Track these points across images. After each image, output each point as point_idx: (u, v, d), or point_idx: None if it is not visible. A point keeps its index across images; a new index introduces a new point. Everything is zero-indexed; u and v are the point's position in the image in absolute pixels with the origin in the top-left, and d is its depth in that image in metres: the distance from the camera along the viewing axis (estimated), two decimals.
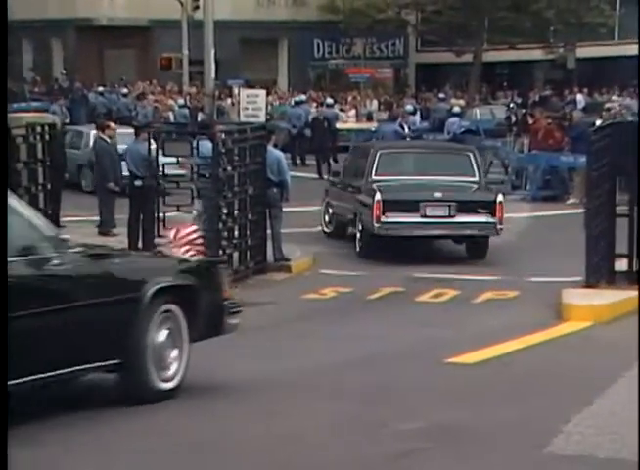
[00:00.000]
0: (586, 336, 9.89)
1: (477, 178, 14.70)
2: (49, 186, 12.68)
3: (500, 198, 14.14)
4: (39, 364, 6.43)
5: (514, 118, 28.81)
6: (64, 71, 39.55)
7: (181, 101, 31.20)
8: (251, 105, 21.69)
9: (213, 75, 23.58)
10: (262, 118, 20.92)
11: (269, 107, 30.05)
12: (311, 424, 6.92)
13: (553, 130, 22.15)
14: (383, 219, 13.73)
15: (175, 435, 6.59)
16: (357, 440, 6.55)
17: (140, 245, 14.32)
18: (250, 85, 31.46)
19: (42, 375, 6.46)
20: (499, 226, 13.99)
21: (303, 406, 7.35)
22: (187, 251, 7.58)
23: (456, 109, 29.42)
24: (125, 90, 33.83)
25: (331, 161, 26.07)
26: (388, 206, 13.70)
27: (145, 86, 35.37)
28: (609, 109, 22.52)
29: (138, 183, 14.70)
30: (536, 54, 41.78)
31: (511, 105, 33.83)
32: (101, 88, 35.01)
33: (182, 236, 7.52)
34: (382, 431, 6.70)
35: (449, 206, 13.94)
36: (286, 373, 8.22)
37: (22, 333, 6.22)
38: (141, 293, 6.77)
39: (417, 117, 31.17)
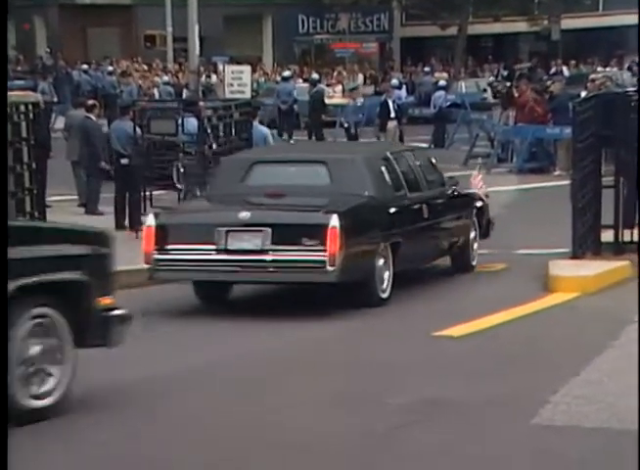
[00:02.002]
0: (573, 307, 9.93)
1: None
2: (34, 165, 12.63)
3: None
4: (427, 255, 10.88)
5: (490, 93, 28.84)
6: (48, 50, 39.29)
7: (166, 78, 31.06)
8: (237, 81, 21.57)
9: (198, 52, 23.44)
10: (248, 95, 20.81)
11: (255, 84, 29.94)
12: (298, 399, 6.95)
13: (538, 103, 22.15)
14: None
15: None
16: (345, 415, 6.58)
17: (127, 223, 14.30)
18: (234, 62, 31.33)
19: (421, 263, 10.96)
20: None
21: (290, 382, 7.38)
22: (480, 188, 12.19)
23: (442, 82, 29.39)
24: (110, 68, 33.65)
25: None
26: None
27: (129, 64, 35.17)
28: (593, 80, 22.50)
29: (124, 161, 14.65)
30: (521, 26, 41.74)
31: (491, 79, 33.80)
32: (85, 66, 34.83)
33: (477, 180, 12.36)
34: (370, 406, 6.74)
35: None
36: (271, 350, 8.24)
37: (431, 235, 10.72)
38: (470, 210, 11.67)
39: (403, 92, 31.13)
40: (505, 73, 36.60)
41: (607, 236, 11.94)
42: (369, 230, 9.74)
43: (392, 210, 10.11)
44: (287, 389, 7.18)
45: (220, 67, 31.10)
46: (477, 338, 8.63)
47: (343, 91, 32.04)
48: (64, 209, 15.38)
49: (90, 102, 16.80)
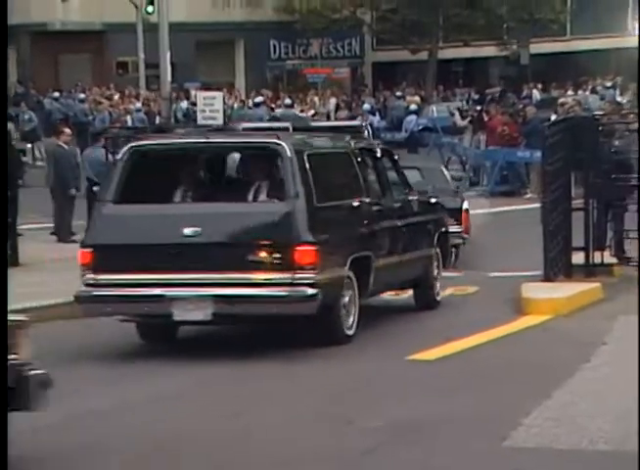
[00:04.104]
0: (545, 329, 9.99)
1: None
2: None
3: None
4: None
5: (460, 119, 29.07)
6: (17, 84, 39.13)
7: (138, 105, 31.07)
8: (209, 107, 21.65)
9: (170, 78, 23.52)
10: (220, 121, 20.87)
11: (229, 110, 29.99)
12: (274, 421, 6.96)
13: (509, 126, 22.35)
14: None
15: None
16: (320, 437, 6.60)
17: None
18: (207, 87, 31.41)
19: None
20: None
21: (265, 404, 7.39)
22: None
23: (413, 107, 29.61)
24: (82, 95, 33.61)
25: None
26: None
27: (101, 91, 35.07)
28: (563, 104, 22.75)
29: (96, 189, 14.66)
30: (490, 51, 42.10)
31: (459, 103, 34.06)
32: (56, 94, 34.78)
33: None
34: (344, 428, 6.76)
35: None
36: (249, 369, 8.25)
37: None
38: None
39: (376, 117, 31.32)
40: (476, 98, 36.89)
41: (577, 258, 12.03)
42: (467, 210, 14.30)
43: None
44: (264, 411, 7.19)
45: (192, 93, 31.13)
46: (450, 361, 8.67)
47: (314, 116, 32.19)
48: (35, 237, 15.32)
49: (62, 129, 16.82)
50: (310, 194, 8.85)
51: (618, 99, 28.90)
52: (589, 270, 11.97)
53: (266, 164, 9.33)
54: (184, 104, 31.31)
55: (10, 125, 13.46)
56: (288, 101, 31.35)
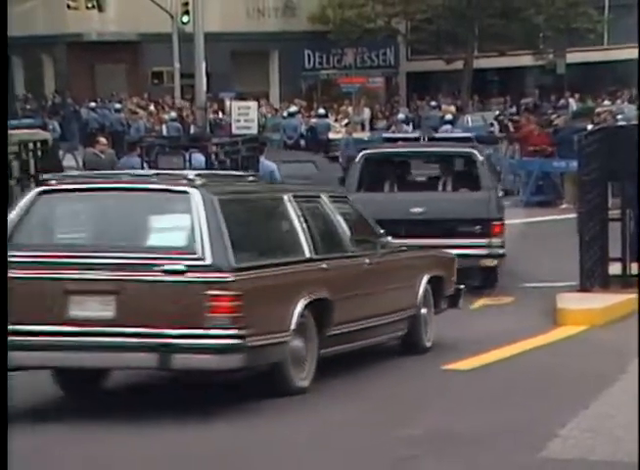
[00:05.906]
0: (581, 340, 9.93)
1: None
2: None
3: None
4: None
5: (498, 128, 28.98)
6: (55, 95, 39.51)
7: (173, 114, 31.26)
8: (243, 117, 21.75)
9: (205, 88, 23.67)
10: (254, 130, 20.97)
11: (263, 119, 30.09)
12: (308, 429, 6.95)
13: (540, 136, 22.26)
14: None
15: None
16: (354, 446, 6.58)
17: None
18: (241, 97, 31.55)
19: None
20: None
21: (300, 412, 7.38)
22: None
23: (448, 116, 29.52)
24: (118, 105, 33.87)
25: None
26: None
27: (138, 102, 35.31)
28: (599, 114, 22.62)
29: None
30: (526, 60, 41.95)
31: (497, 113, 33.91)
32: (93, 104, 35.06)
33: None
34: (379, 437, 6.74)
35: None
36: None
37: None
38: None
39: (409, 126, 31.29)
40: (512, 108, 36.71)
41: (614, 269, 11.94)
42: None
43: None
44: (296, 416, 7.18)
45: (227, 102, 31.29)
46: (486, 371, 8.63)
47: (347, 126, 32.23)
48: None
49: (97, 138, 16.99)
50: (495, 186, 12.90)
51: None
52: (626, 281, 11.87)
53: (453, 165, 13.51)
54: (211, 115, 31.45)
55: (46, 134, 13.58)
56: (321, 111, 31.41)
